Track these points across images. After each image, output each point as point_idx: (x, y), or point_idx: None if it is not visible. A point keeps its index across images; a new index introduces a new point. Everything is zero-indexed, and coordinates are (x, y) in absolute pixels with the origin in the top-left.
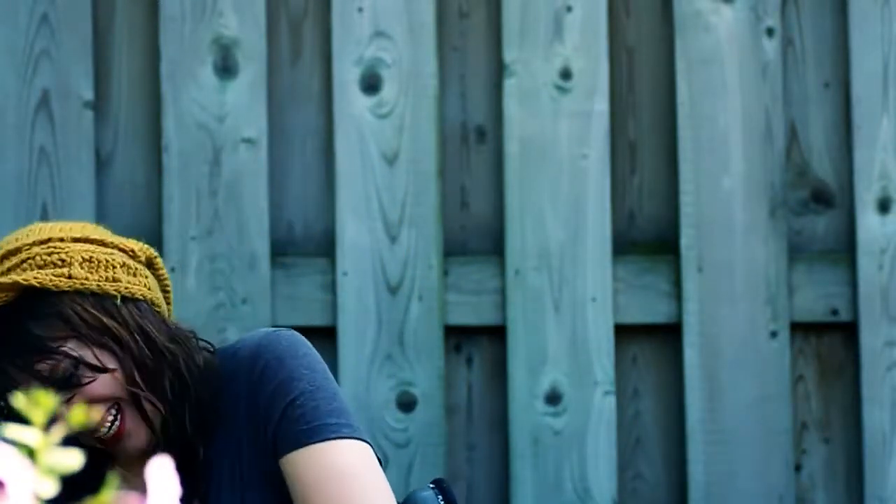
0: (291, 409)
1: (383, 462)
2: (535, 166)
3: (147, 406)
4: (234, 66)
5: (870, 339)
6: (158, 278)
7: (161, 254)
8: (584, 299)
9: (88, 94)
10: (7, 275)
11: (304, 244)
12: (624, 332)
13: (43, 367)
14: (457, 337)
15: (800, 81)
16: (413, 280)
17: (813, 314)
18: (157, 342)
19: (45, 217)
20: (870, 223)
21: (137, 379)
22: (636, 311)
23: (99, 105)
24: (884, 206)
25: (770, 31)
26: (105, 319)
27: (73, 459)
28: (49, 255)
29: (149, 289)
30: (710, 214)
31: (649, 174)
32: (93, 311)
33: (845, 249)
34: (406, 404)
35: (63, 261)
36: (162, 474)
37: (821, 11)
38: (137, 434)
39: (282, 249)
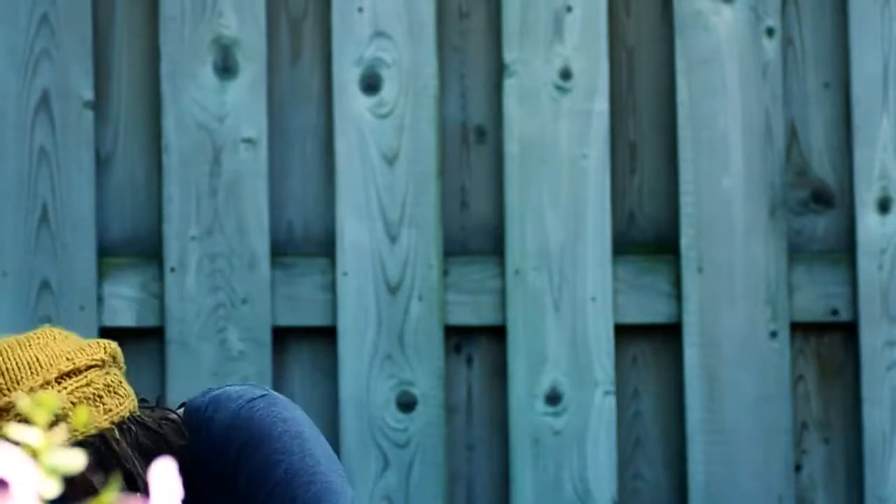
0: (270, 501)
1: (384, 463)
2: (535, 166)
3: None
4: (234, 66)
5: (870, 339)
6: (120, 367)
7: (161, 254)
8: (584, 299)
9: (88, 94)
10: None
11: (304, 244)
12: (624, 332)
13: None
14: (457, 337)
15: (800, 81)
16: (413, 280)
17: (813, 314)
18: (142, 476)
19: (45, 216)
20: (870, 223)
21: None
22: (636, 311)
23: (99, 105)
24: (884, 206)
25: (770, 31)
26: (102, 474)
27: (76, 460)
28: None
29: (127, 396)
30: (710, 214)
31: (649, 174)
32: (92, 462)
33: (845, 249)
34: (406, 404)
35: (57, 416)
36: (162, 474)
37: (821, 11)
38: None
39: (282, 249)
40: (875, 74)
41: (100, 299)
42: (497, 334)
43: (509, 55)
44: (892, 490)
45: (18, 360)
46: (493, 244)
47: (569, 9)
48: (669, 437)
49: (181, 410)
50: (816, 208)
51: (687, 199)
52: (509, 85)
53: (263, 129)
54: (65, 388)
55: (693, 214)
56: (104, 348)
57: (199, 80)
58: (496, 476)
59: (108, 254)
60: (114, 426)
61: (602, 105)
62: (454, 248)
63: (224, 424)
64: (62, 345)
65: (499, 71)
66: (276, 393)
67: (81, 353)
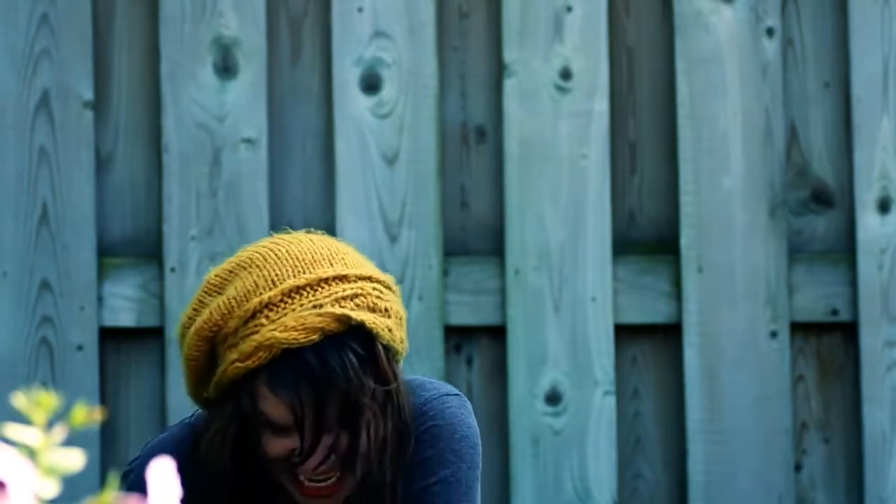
0: (426, 493)
1: None
2: (535, 166)
3: (373, 476)
4: (234, 66)
5: (870, 339)
6: None
7: (161, 254)
8: (584, 299)
9: (88, 94)
10: (340, 305)
11: None
12: (624, 332)
13: (332, 409)
14: (457, 337)
15: (800, 81)
16: (413, 280)
17: (813, 314)
18: (406, 417)
19: (44, 217)
20: (870, 223)
21: (375, 457)
22: (636, 311)
23: (99, 105)
24: (884, 206)
25: (770, 31)
26: (391, 386)
27: (75, 460)
28: (378, 299)
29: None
30: (710, 214)
31: (649, 174)
32: (392, 370)
33: (845, 249)
34: None
35: (387, 310)
36: (162, 474)
37: (821, 11)
38: (339, 496)
39: None
40: (875, 74)
41: (100, 299)
42: (497, 334)
43: (509, 55)
44: (892, 490)
45: (350, 252)
46: (493, 244)
47: (569, 9)
48: (669, 437)
49: None
50: (816, 208)
51: (687, 199)
52: (509, 85)
53: (263, 129)
54: (393, 296)
55: (693, 214)
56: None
57: (199, 80)
58: (496, 476)
59: (108, 254)
60: (401, 357)
61: (602, 105)
62: (454, 248)
63: (420, 403)
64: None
65: (499, 71)
66: (465, 398)
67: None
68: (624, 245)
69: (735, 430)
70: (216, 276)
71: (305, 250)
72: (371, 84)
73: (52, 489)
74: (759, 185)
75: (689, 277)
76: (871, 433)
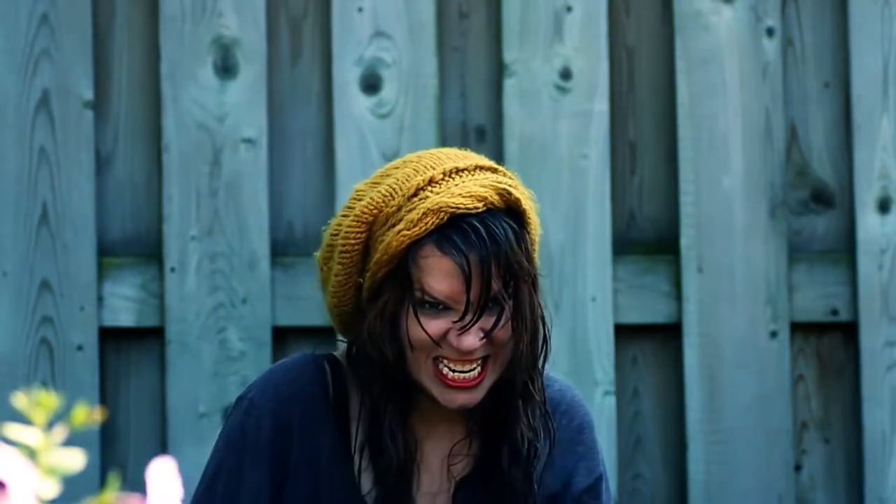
0: (598, 486)
1: None
2: (535, 166)
3: (509, 373)
4: (234, 66)
5: (870, 339)
6: None
7: (161, 254)
8: (584, 299)
9: (88, 94)
10: (504, 184)
11: (304, 244)
12: (624, 332)
13: (496, 284)
14: None
15: (800, 81)
16: None
17: (813, 314)
18: (541, 317)
19: (45, 217)
20: (870, 223)
21: (518, 351)
22: (636, 311)
23: (99, 105)
24: (884, 206)
25: (770, 31)
26: (537, 271)
27: (75, 460)
28: (525, 195)
29: None
30: (710, 214)
31: (649, 174)
32: (536, 266)
33: (845, 249)
34: None
35: (531, 208)
36: (162, 474)
37: (821, 11)
38: (476, 395)
39: (282, 249)
40: (875, 74)
41: (100, 299)
42: None
43: (509, 55)
44: (892, 490)
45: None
46: None
47: (569, 9)
48: (669, 437)
49: None
50: (816, 208)
51: (687, 199)
52: (509, 85)
53: (263, 129)
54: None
55: (693, 214)
56: None
57: (199, 80)
58: None
59: (108, 254)
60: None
61: (602, 105)
62: None
63: (553, 393)
64: None
65: (499, 71)
66: None
67: None
68: (624, 245)
69: (735, 430)
70: (365, 183)
71: (455, 151)
72: (371, 84)
73: (52, 489)
74: (759, 185)
75: (689, 277)
76: (871, 433)
